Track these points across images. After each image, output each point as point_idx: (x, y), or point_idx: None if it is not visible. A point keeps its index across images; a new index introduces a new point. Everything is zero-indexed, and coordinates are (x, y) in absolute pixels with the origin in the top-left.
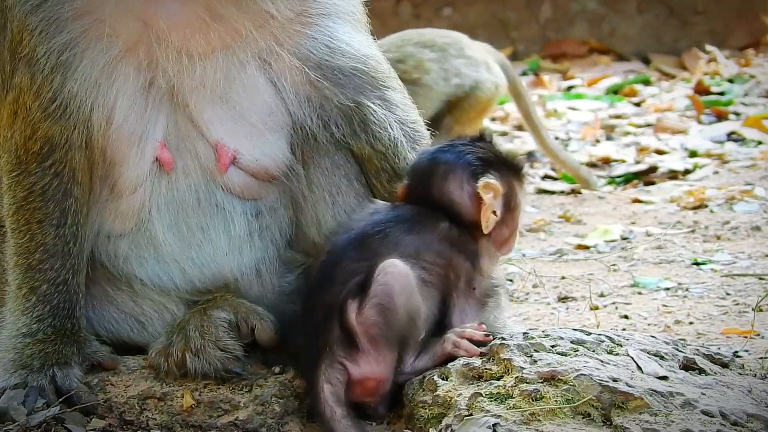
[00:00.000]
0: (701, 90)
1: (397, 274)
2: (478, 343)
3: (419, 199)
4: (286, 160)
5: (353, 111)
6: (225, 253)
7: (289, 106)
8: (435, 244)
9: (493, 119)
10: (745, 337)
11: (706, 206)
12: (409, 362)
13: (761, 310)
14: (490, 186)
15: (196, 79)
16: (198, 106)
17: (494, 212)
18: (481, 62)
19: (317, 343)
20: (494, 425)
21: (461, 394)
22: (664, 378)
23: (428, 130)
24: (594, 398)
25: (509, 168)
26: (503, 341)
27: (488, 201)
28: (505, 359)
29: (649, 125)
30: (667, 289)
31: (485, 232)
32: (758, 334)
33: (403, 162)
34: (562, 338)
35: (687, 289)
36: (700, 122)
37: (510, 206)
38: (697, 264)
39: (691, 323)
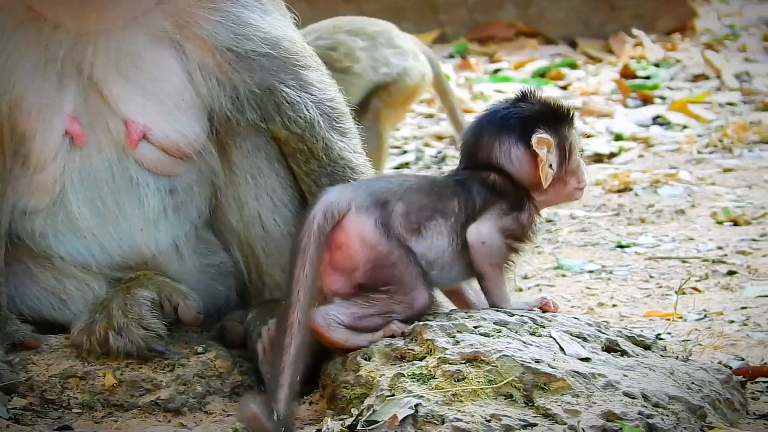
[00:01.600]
0: (627, 74)
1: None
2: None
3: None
4: (199, 138)
5: (266, 95)
6: (141, 228)
7: (199, 88)
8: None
9: (421, 101)
10: (668, 319)
11: (631, 189)
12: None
13: (684, 293)
14: (543, 141)
15: (101, 54)
16: (105, 81)
17: (550, 165)
18: (409, 52)
19: None
20: (416, 406)
21: (383, 375)
22: (586, 359)
23: (351, 111)
24: (516, 379)
25: (556, 116)
26: (426, 322)
27: (543, 156)
28: (427, 340)
29: (575, 109)
30: (591, 271)
31: (545, 186)
32: (681, 317)
33: (320, 142)
34: (485, 319)
35: (611, 272)
36: (625, 106)
37: (566, 153)
38: (621, 247)
39: (614, 306)
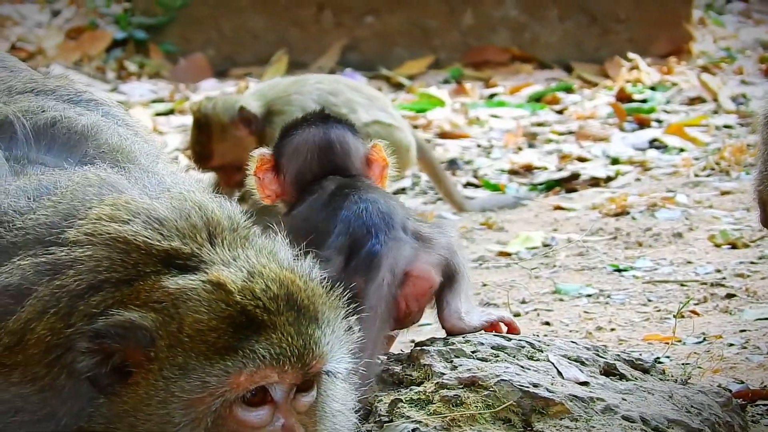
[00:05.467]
0: (623, 97)
1: None
2: None
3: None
4: None
5: None
6: None
7: None
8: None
9: (416, 126)
10: (667, 343)
11: (628, 213)
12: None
13: (682, 317)
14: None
15: None
16: None
17: None
18: (400, 120)
19: None
20: (414, 431)
21: (381, 400)
22: (584, 383)
23: None
24: (514, 404)
25: None
26: (423, 347)
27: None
28: (425, 365)
29: (571, 133)
30: (589, 295)
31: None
32: (679, 341)
33: None
34: (482, 344)
35: (608, 296)
36: (622, 129)
37: None
38: (619, 270)
39: (612, 330)
